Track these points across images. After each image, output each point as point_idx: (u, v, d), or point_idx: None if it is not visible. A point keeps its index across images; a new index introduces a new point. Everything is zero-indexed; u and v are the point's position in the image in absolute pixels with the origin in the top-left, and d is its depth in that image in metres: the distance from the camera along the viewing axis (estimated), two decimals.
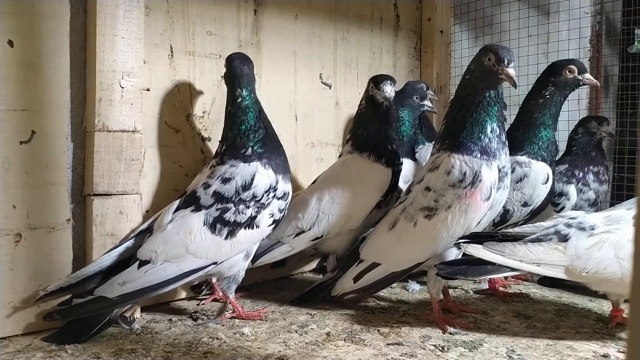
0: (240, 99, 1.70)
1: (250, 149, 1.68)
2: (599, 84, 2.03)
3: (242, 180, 1.64)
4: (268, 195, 1.66)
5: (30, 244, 1.52)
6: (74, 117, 1.61)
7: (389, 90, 1.89)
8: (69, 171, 1.61)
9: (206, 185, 1.64)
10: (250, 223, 1.64)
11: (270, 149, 1.71)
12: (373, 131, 1.92)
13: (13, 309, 1.50)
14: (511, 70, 1.57)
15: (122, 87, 1.63)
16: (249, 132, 1.69)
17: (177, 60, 1.88)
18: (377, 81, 1.91)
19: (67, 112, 1.59)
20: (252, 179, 1.64)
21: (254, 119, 1.71)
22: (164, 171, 1.86)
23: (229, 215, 1.61)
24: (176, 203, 1.66)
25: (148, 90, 1.78)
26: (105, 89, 1.60)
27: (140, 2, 1.66)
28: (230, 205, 1.62)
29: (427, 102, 2.32)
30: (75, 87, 1.61)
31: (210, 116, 1.97)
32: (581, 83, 1.97)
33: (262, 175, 1.66)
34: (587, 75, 1.96)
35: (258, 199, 1.64)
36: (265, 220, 1.66)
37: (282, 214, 1.72)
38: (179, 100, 1.89)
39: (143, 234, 1.62)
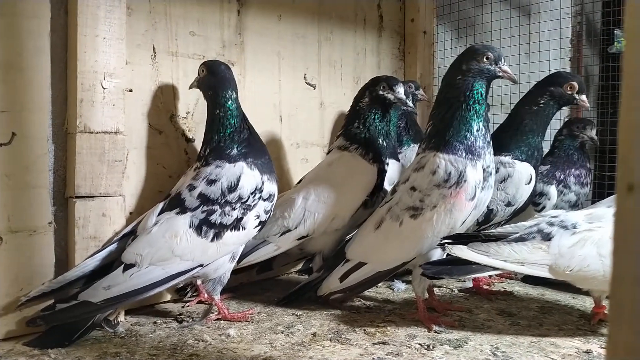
0: (230, 102, 1.71)
1: (235, 149, 1.68)
2: (589, 107, 2.06)
3: (228, 181, 1.63)
4: (254, 196, 1.65)
5: (12, 247, 1.50)
6: (55, 119, 1.59)
7: (401, 92, 1.94)
8: (50, 173, 1.59)
9: (191, 187, 1.63)
10: (237, 225, 1.63)
11: (255, 148, 1.71)
12: (370, 127, 1.94)
13: None
14: (508, 68, 1.68)
15: (104, 88, 1.61)
16: (234, 134, 1.70)
17: (159, 60, 1.87)
18: (390, 83, 1.93)
19: (48, 114, 1.57)
20: (238, 181, 1.64)
21: (240, 121, 1.72)
22: (148, 173, 1.84)
23: (215, 217, 1.60)
24: (160, 205, 1.65)
25: (130, 91, 1.77)
26: (86, 90, 1.58)
27: (122, 2, 1.65)
28: (216, 207, 1.61)
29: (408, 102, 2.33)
30: (57, 88, 1.59)
31: (194, 117, 1.96)
32: (574, 102, 1.99)
33: (248, 177, 1.65)
34: (583, 97, 1.98)
35: (244, 200, 1.64)
36: (251, 222, 1.66)
37: (268, 215, 1.72)
38: (162, 101, 1.88)
39: (126, 238, 1.61)
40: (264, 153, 1.74)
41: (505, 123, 2.10)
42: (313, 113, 2.44)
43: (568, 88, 1.97)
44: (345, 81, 2.57)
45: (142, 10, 1.81)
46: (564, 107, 2.13)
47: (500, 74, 1.68)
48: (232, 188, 1.63)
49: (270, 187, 1.70)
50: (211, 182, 1.63)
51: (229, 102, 1.71)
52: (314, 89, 2.43)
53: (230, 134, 1.69)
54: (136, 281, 1.51)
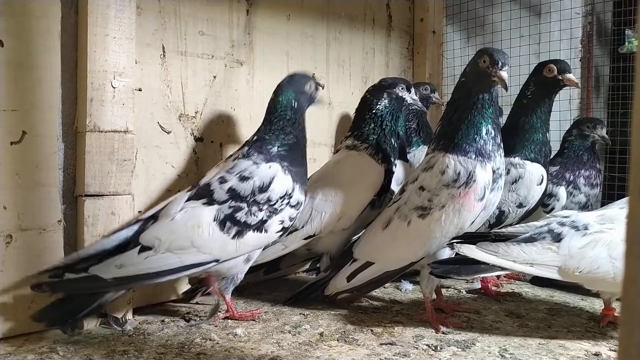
0: (275, 98, 1.76)
1: (275, 148, 1.69)
2: (579, 85, 2.04)
3: (260, 181, 1.62)
4: (282, 201, 1.64)
5: (21, 245, 1.51)
6: (65, 118, 1.60)
7: (414, 94, 2.03)
8: (60, 172, 1.59)
9: (222, 180, 1.62)
10: (260, 226, 1.62)
11: (294, 156, 1.71)
12: (385, 128, 1.96)
13: (3, 310, 1.48)
14: (504, 73, 1.60)
15: (114, 87, 1.62)
16: (279, 130, 1.71)
17: (169, 60, 1.87)
18: (408, 85, 2.01)
19: (58, 113, 1.58)
20: (270, 182, 1.63)
21: (286, 121, 1.73)
22: (157, 172, 1.85)
23: (241, 215, 1.59)
24: (187, 194, 1.63)
25: (140, 90, 1.77)
26: (96, 89, 1.59)
27: (132, 2, 1.65)
28: (244, 204, 1.60)
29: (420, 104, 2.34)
30: (67, 87, 1.60)
31: (202, 116, 1.96)
32: (561, 83, 1.98)
33: (280, 180, 1.64)
34: (568, 76, 1.96)
35: (272, 203, 1.63)
36: (274, 226, 1.64)
37: (292, 222, 1.71)
38: (171, 100, 1.88)
39: (147, 221, 1.58)
40: (302, 165, 1.74)
41: (505, 125, 2.10)
42: (321, 113, 2.43)
43: (547, 71, 1.98)
44: (354, 81, 2.57)
45: (151, 10, 1.81)
46: (561, 96, 2.11)
47: (494, 78, 1.61)
48: (264, 189, 1.62)
49: (299, 196, 1.69)
50: (244, 179, 1.62)
51: (272, 97, 1.79)
52: (322, 88, 2.42)
53: (274, 130, 1.71)
54: (150, 265, 1.49)
